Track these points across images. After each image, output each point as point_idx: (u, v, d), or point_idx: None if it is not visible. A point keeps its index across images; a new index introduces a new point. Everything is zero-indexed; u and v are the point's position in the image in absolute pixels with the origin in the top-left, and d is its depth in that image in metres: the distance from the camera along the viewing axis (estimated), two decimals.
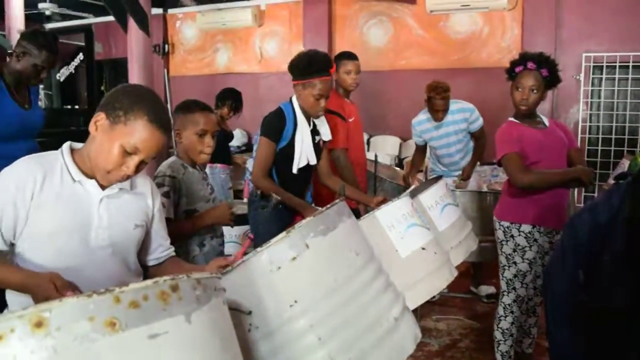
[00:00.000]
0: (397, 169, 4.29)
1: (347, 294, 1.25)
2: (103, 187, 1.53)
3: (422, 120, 4.06)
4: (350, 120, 3.37)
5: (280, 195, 2.64)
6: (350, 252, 1.32)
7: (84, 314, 0.64)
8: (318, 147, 2.84)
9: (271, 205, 2.77)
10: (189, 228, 2.15)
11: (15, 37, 6.21)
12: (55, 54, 2.85)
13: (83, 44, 9.91)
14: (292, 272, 1.20)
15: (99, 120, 1.46)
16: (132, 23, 5.12)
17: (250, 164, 3.06)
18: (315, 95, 2.66)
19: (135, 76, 5.05)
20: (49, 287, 1.30)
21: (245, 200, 3.47)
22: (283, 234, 1.21)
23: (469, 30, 6.95)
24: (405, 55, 7.32)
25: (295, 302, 1.19)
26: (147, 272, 1.75)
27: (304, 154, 2.72)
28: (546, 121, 2.82)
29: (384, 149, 7.09)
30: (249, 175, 3.01)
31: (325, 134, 2.84)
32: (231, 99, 4.69)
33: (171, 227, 2.08)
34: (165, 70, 8.68)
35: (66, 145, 1.56)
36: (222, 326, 0.83)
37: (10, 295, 1.51)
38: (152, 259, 1.74)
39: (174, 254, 1.80)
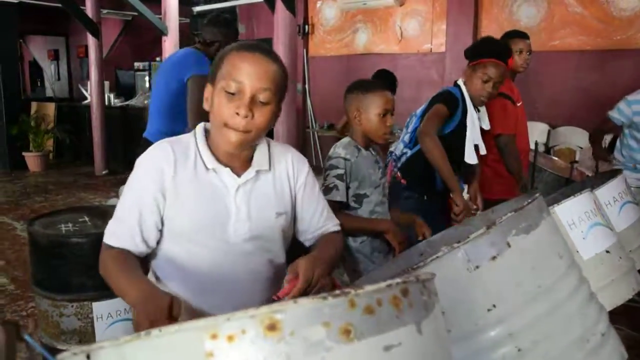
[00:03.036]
0: (555, 158, 3.94)
1: (551, 303, 1.09)
2: (239, 174, 1.37)
3: None
4: (519, 104, 3.12)
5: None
6: (554, 254, 1.15)
7: (319, 319, 0.56)
8: None
9: (416, 195, 2.63)
10: (356, 226, 2.05)
11: (170, 20, 6.57)
12: None
13: None
14: (492, 272, 1.07)
15: (207, 94, 1.38)
16: (279, 4, 5.16)
17: (396, 148, 2.90)
18: (484, 77, 2.49)
19: (280, 56, 5.09)
20: (160, 312, 1.10)
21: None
22: (482, 229, 1.07)
23: (637, 6, 6.22)
24: (559, 35, 6.74)
25: (494, 306, 1.06)
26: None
27: (472, 142, 2.54)
28: None
29: (530, 136, 6.61)
30: (394, 157, 2.84)
31: (485, 122, 2.64)
32: (385, 79, 4.70)
33: (345, 216, 1.99)
34: (305, 51, 8.81)
35: (200, 128, 1.42)
36: (444, 336, 0.73)
37: None
38: (306, 239, 1.56)
39: (333, 230, 1.56)
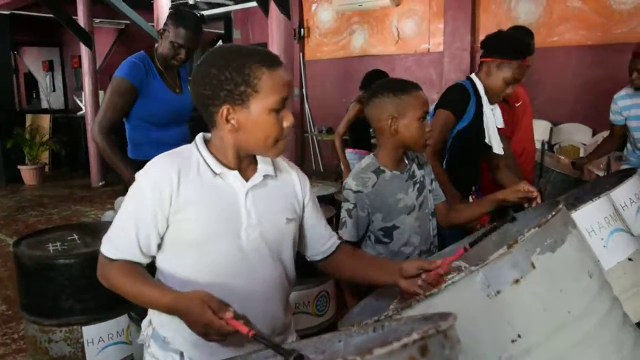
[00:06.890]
0: (561, 157, 3.80)
1: (584, 330, 0.97)
2: (246, 178, 1.34)
3: (624, 95, 3.44)
4: (518, 105, 2.99)
5: None
6: (583, 274, 1.03)
7: None
8: None
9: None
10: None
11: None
12: (195, 34, 2.63)
13: (222, 31, 10.24)
14: (515, 298, 0.94)
15: (228, 114, 1.27)
16: (273, 7, 5.05)
17: None
18: (508, 79, 2.34)
19: None
20: (204, 310, 1.14)
21: None
22: (503, 249, 0.95)
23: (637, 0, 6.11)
24: (558, 30, 6.61)
25: (519, 337, 0.93)
26: (317, 266, 1.56)
27: (494, 134, 2.41)
28: None
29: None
30: None
31: (498, 120, 2.49)
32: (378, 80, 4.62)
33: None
34: (301, 55, 8.69)
35: (200, 138, 1.37)
36: None
37: (155, 316, 1.37)
38: (316, 253, 1.53)
39: (338, 242, 1.54)
